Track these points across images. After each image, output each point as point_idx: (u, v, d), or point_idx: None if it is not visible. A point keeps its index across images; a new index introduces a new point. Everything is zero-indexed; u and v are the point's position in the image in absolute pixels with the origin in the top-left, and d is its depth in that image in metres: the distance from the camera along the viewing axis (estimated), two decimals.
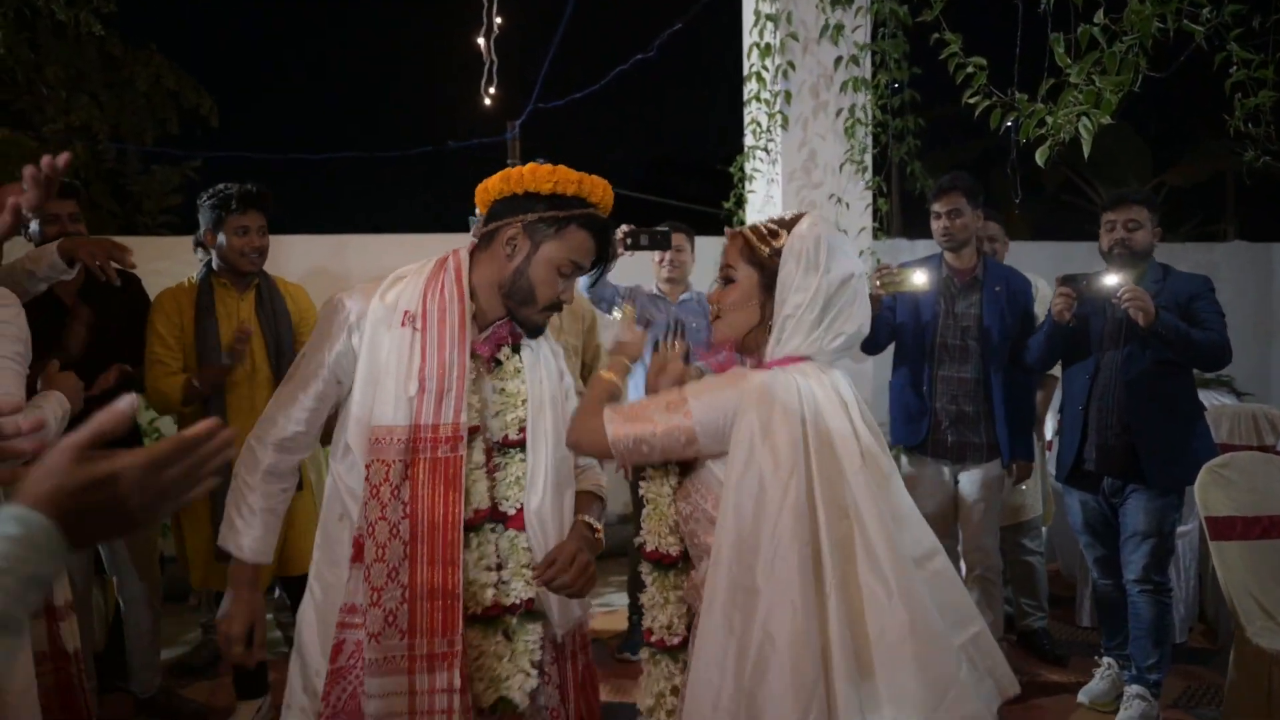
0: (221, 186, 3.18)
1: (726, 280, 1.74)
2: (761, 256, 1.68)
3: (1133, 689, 3.27)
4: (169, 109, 7.08)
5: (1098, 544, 3.42)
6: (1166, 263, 3.35)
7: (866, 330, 1.69)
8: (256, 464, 1.84)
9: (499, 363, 1.85)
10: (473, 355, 1.80)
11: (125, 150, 7.13)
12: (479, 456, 1.79)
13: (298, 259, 4.86)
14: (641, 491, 1.74)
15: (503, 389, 1.83)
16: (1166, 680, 3.35)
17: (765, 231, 1.69)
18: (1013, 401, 3.50)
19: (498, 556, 1.79)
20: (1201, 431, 3.25)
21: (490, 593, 1.78)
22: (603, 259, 1.88)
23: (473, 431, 1.78)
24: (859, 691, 1.46)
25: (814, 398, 1.58)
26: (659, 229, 3.06)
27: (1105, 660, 3.53)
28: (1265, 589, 2.88)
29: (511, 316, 1.84)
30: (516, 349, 1.87)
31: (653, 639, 1.71)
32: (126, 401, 0.93)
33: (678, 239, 3.87)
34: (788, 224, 1.68)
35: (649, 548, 1.72)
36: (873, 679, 1.48)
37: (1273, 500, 2.99)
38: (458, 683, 1.68)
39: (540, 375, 1.86)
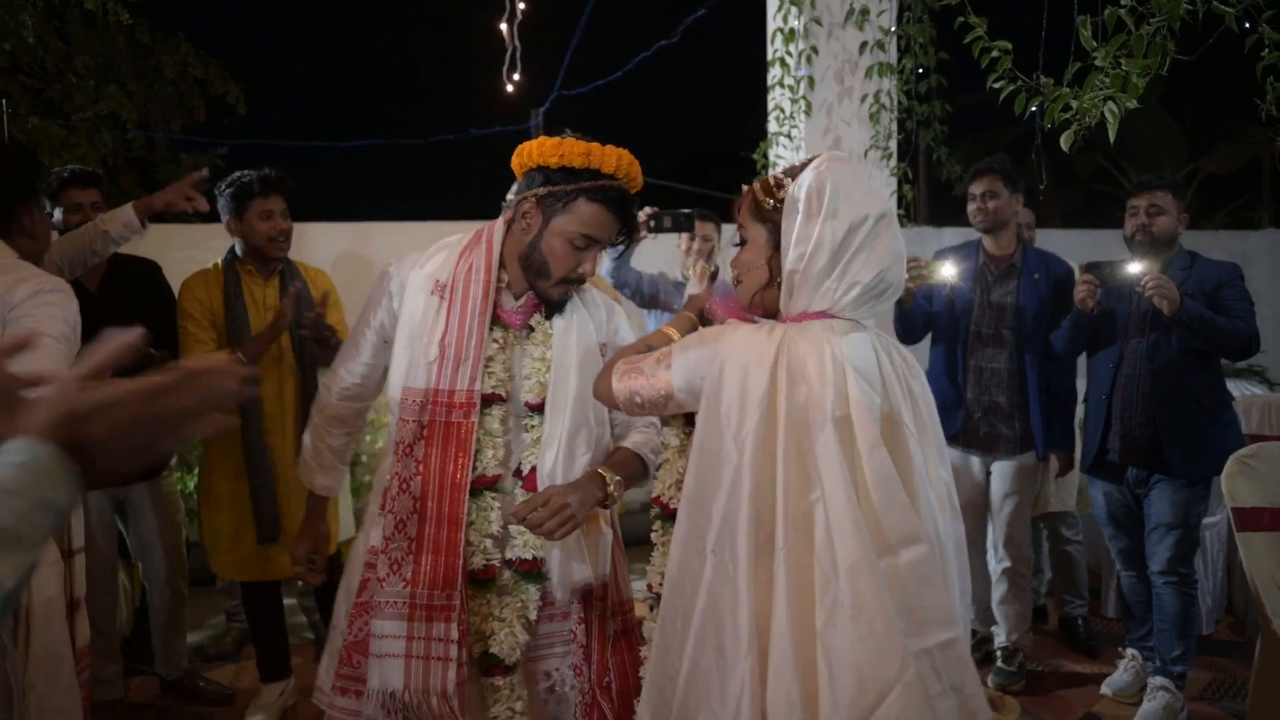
0: (239, 174, 3.18)
1: (742, 242, 1.66)
2: (766, 211, 1.59)
3: (1156, 680, 3.23)
4: (196, 97, 7.13)
5: (1122, 535, 3.38)
6: (1196, 250, 3.30)
7: (893, 278, 1.52)
8: (323, 408, 2.09)
9: (531, 329, 1.91)
10: (503, 325, 1.89)
11: (153, 139, 7.20)
12: (495, 425, 1.86)
13: (322, 246, 4.89)
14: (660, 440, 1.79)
15: (532, 356, 1.90)
16: (1192, 672, 3.31)
17: (772, 183, 1.59)
18: (1049, 392, 3.44)
19: (502, 522, 1.85)
20: (1228, 421, 3.20)
21: (483, 558, 1.84)
22: (626, 233, 1.89)
23: (496, 400, 1.85)
24: (789, 687, 1.37)
25: (800, 358, 1.46)
26: (683, 211, 3.05)
27: (1129, 652, 3.50)
28: None
29: (531, 288, 1.90)
30: (550, 316, 1.92)
31: (652, 589, 1.72)
32: (133, 334, 0.93)
33: (705, 227, 3.85)
34: (796, 171, 1.57)
35: (655, 494, 1.74)
36: (810, 674, 1.37)
37: None
38: (455, 634, 1.76)
39: (570, 341, 1.90)
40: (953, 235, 5.62)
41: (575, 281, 1.88)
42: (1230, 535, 4.06)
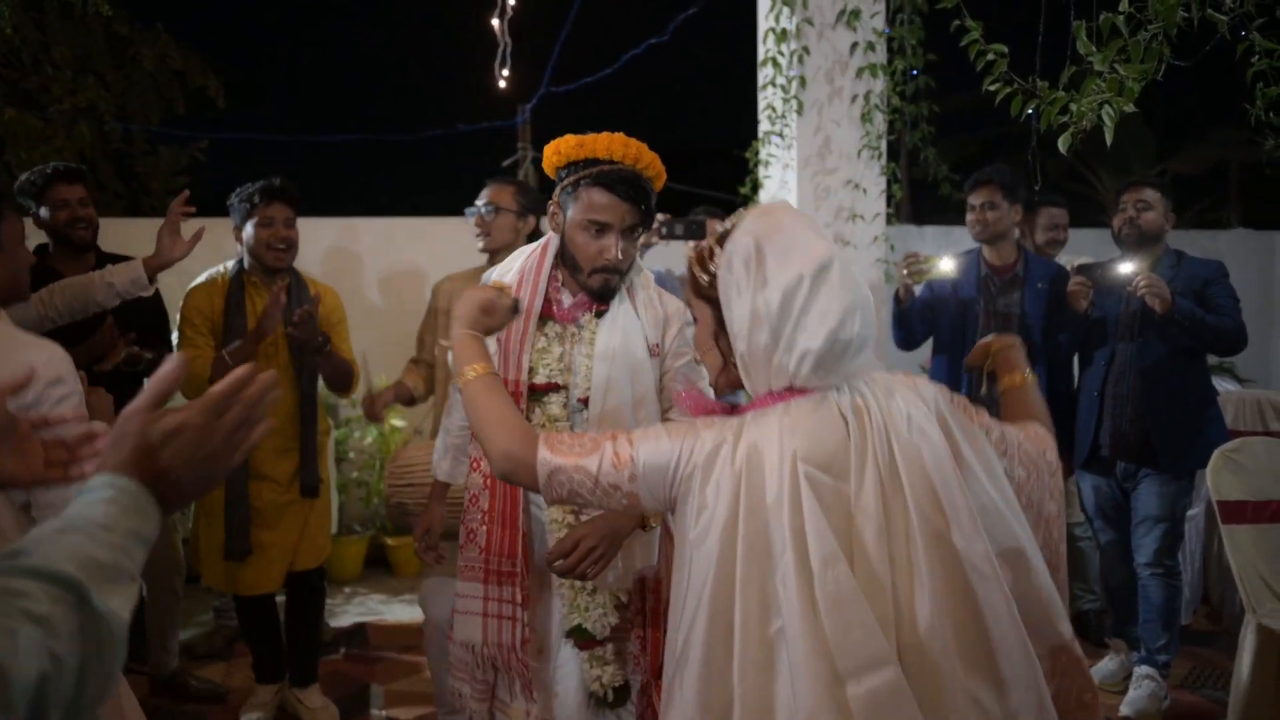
0: (249, 184, 3.15)
1: (695, 320, 1.55)
2: (704, 288, 1.47)
3: (1142, 670, 3.32)
4: (175, 90, 7.05)
5: (1109, 528, 3.46)
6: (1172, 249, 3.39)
7: (851, 333, 1.35)
8: (452, 405, 2.22)
9: (581, 326, 2.03)
10: (559, 321, 2.02)
11: (131, 131, 7.10)
12: (556, 410, 2.00)
13: (309, 241, 4.80)
14: None
15: (581, 352, 2.01)
16: (1173, 662, 3.41)
17: (706, 255, 1.46)
18: (1054, 400, 3.49)
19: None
20: (1213, 416, 3.30)
21: (561, 531, 1.98)
22: (644, 216, 1.95)
23: (553, 388, 1.99)
24: None
25: (757, 469, 1.32)
26: (694, 218, 3.08)
27: (1115, 641, 3.58)
28: (1275, 572, 2.92)
29: (577, 284, 2.01)
30: (600, 315, 2.03)
31: None
32: (175, 363, 0.97)
33: (711, 225, 3.89)
34: (728, 234, 1.43)
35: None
36: None
37: None
38: (520, 597, 1.97)
39: (612, 340, 1.99)
40: (934, 234, 5.70)
41: (609, 271, 1.95)
42: (1207, 528, 4.17)
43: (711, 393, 1.60)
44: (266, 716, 3.26)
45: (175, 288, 3.37)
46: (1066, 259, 3.80)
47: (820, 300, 1.33)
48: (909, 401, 1.38)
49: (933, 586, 1.29)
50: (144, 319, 3.25)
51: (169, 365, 0.97)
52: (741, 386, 1.47)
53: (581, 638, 2.01)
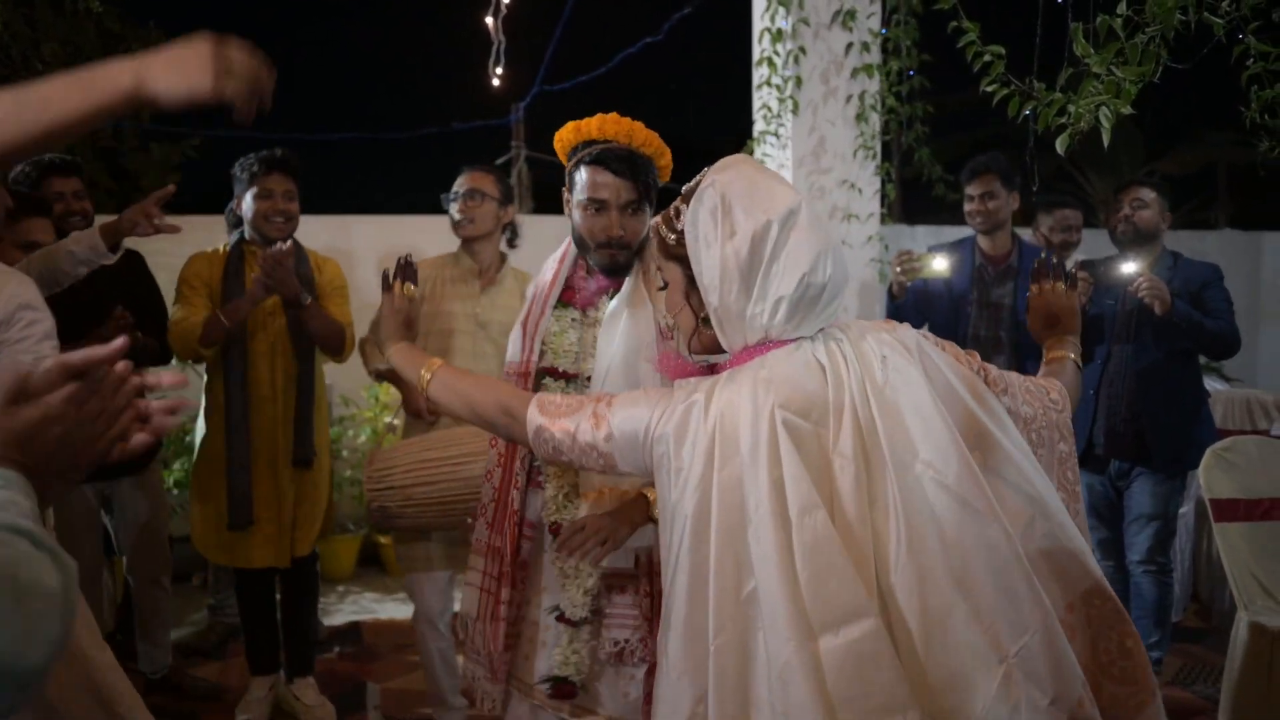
0: (250, 155, 3.14)
1: (665, 285, 1.55)
2: (671, 247, 1.47)
3: None
4: None
5: (1101, 526, 3.49)
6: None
7: (823, 278, 1.34)
8: None
9: (600, 311, 2.07)
10: (577, 306, 2.07)
11: (122, 128, 7.05)
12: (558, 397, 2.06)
13: (303, 238, 4.83)
14: None
15: (595, 336, 2.05)
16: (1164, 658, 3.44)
17: (672, 214, 1.46)
18: None
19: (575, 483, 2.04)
20: (1205, 416, 3.33)
21: (557, 514, 2.02)
22: (643, 190, 1.97)
23: (551, 372, 2.04)
24: None
25: (732, 424, 1.31)
26: None
27: None
28: (1266, 569, 2.95)
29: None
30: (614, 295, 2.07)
31: None
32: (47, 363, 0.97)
33: None
34: (692, 192, 1.43)
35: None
36: None
37: (1274, 482, 3.06)
38: (500, 572, 2.04)
39: (616, 325, 2.00)
40: (925, 233, 5.73)
41: (613, 246, 1.97)
42: (1197, 525, 4.21)
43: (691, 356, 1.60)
44: (263, 714, 3.26)
45: (172, 285, 3.35)
46: (1076, 260, 3.81)
47: (790, 245, 1.33)
48: (883, 343, 1.38)
49: (910, 530, 1.26)
50: (139, 305, 3.26)
51: (19, 366, 0.99)
52: (717, 350, 1.47)
53: (559, 614, 2.02)
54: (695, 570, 1.31)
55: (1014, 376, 1.53)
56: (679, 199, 1.46)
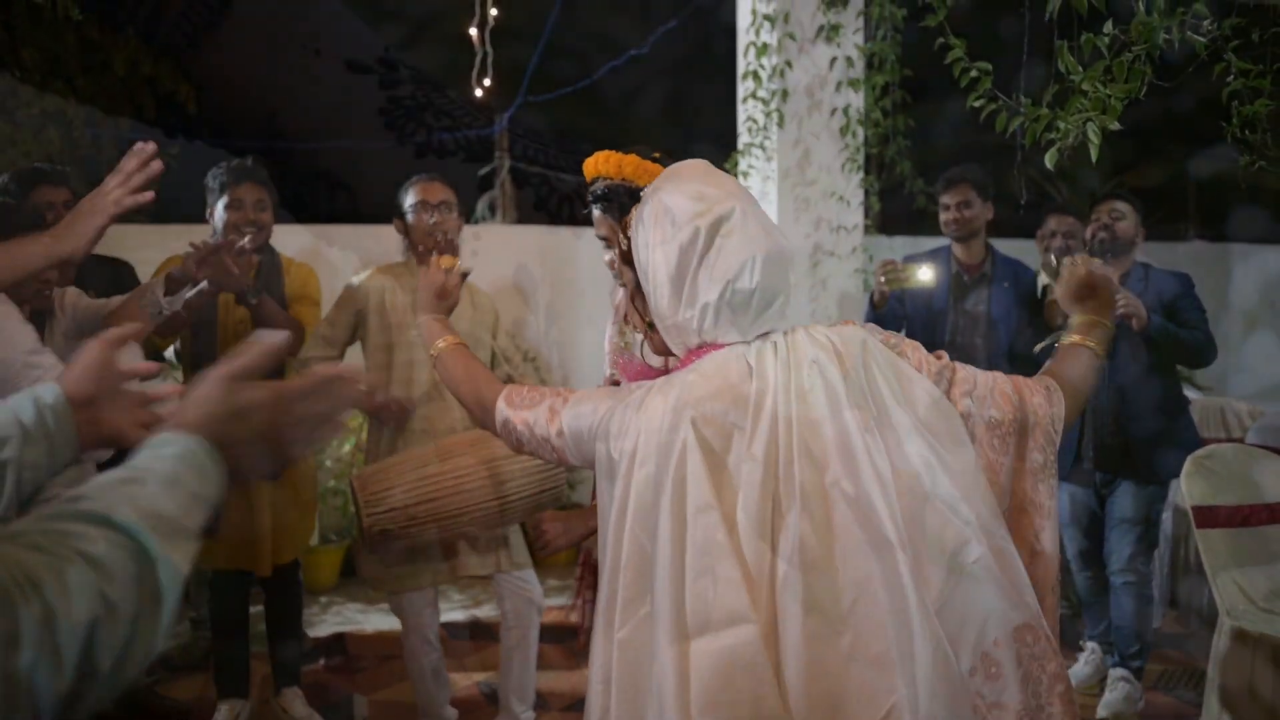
0: (221, 164, 3.10)
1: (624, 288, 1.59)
2: (625, 253, 1.51)
3: (1117, 671, 3.39)
4: (146, 95, 6.96)
5: (1082, 536, 3.54)
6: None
7: (750, 284, 1.33)
8: None
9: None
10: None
11: (100, 136, 6.99)
12: None
13: (283, 248, 4.80)
14: None
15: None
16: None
17: (630, 220, 1.49)
18: None
19: None
20: (1186, 424, 3.39)
21: None
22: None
23: None
24: None
25: (650, 425, 1.33)
26: None
27: (1089, 645, 3.66)
28: (1248, 574, 3.01)
29: None
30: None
31: None
32: (278, 336, 0.98)
33: None
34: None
35: None
36: None
37: (1252, 489, 3.12)
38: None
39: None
40: (903, 243, 5.79)
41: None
42: (1175, 532, 4.28)
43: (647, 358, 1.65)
44: None
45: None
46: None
47: (716, 252, 1.33)
48: (818, 344, 1.35)
49: (804, 546, 1.23)
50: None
51: (266, 341, 0.96)
52: (669, 352, 1.50)
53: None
54: (612, 573, 1.35)
55: (985, 376, 1.46)
56: (637, 205, 1.49)
